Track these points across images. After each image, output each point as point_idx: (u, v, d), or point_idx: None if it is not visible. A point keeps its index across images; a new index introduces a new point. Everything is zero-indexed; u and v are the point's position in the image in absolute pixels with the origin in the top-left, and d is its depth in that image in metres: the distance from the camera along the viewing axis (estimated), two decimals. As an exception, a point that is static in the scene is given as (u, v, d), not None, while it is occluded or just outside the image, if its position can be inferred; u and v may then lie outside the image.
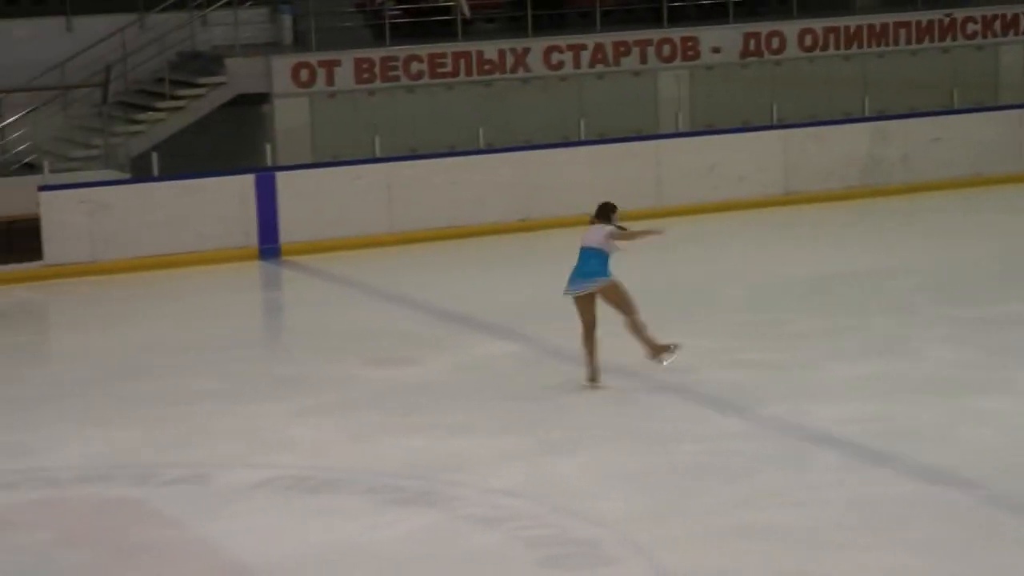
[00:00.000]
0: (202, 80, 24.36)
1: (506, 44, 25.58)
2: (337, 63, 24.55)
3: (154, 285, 20.23)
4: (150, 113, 24.13)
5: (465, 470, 12.62)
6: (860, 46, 27.45)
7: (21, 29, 25.10)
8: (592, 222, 14.80)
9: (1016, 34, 28.38)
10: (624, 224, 14.83)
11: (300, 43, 25.50)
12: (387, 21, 25.34)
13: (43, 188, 20.78)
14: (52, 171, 21.56)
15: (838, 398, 14.26)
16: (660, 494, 12.01)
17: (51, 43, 24.66)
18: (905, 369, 15.19)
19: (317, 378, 15.61)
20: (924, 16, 27.96)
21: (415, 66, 24.99)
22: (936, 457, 12.59)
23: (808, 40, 27.13)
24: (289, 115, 24.30)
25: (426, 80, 25.04)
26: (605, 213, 14.77)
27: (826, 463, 12.62)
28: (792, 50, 26.98)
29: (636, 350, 15.83)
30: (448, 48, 25.23)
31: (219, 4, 25.37)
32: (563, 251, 15.06)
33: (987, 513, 11.54)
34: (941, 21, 28.02)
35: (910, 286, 18.79)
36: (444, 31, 25.88)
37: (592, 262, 14.56)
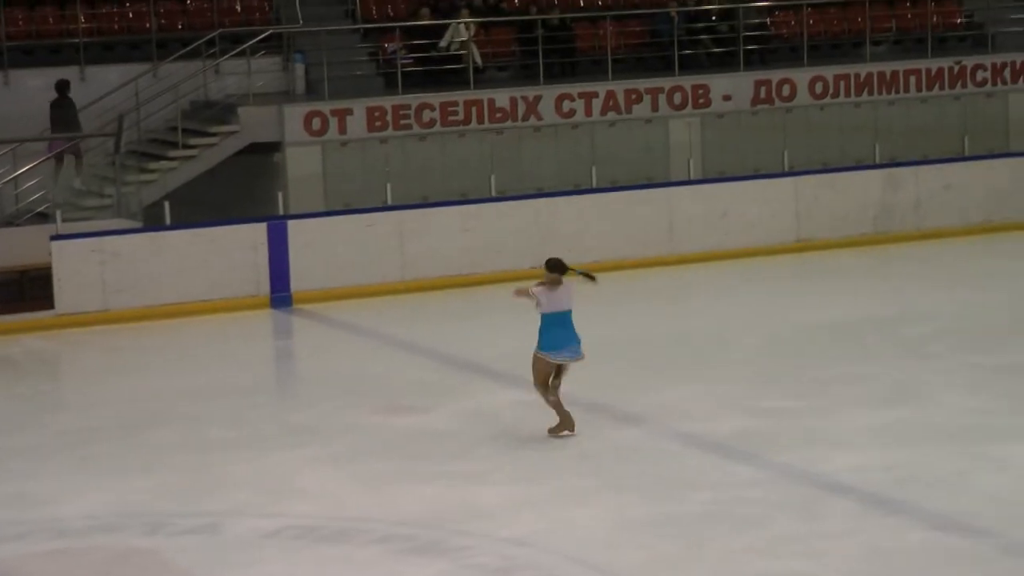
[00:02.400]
0: (215, 129, 24.40)
1: (518, 92, 25.62)
2: (349, 112, 24.58)
3: (166, 334, 20.21)
4: (163, 162, 24.15)
5: (477, 519, 12.55)
6: (871, 93, 27.47)
7: (35, 79, 25.16)
8: (549, 279, 14.53)
9: (1026, 81, 28.45)
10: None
11: (312, 92, 25.54)
12: (399, 70, 25.39)
13: (55, 237, 20.79)
14: (64, 220, 21.58)
15: (854, 445, 14.17)
16: (674, 543, 11.92)
17: (65, 93, 24.68)
18: (921, 416, 15.10)
19: (329, 426, 15.55)
20: (934, 64, 28.00)
21: (427, 114, 25.02)
22: (953, 505, 12.49)
23: (819, 87, 27.14)
24: (301, 163, 24.32)
25: (438, 128, 25.06)
26: (561, 267, 14.51)
27: (842, 511, 12.53)
28: (803, 97, 27.00)
29: (650, 399, 15.79)
30: (460, 96, 25.26)
31: (232, 53, 25.42)
32: (577, 298, 14.96)
33: (1005, 563, 11.44)
34: (951, 68, 28.04)
35: (925, 333, 18.71)
36: (456, 79, 25.92)
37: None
